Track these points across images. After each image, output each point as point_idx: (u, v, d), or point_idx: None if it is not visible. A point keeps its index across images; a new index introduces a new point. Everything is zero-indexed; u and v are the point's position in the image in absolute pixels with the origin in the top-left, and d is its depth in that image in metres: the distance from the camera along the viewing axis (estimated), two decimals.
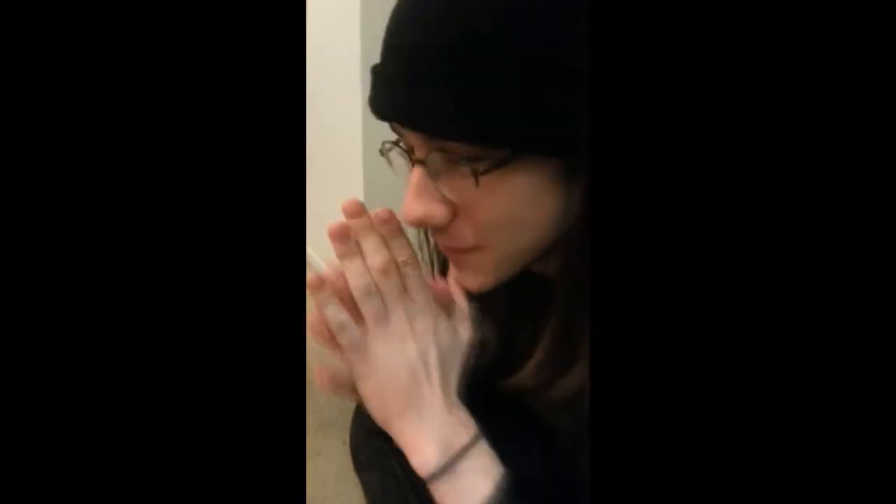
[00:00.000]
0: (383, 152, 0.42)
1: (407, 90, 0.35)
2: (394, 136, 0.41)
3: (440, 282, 0.43)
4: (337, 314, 0.39)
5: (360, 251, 0.40)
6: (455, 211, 0.38)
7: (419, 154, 0.37)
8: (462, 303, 0.43)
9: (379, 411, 0.41)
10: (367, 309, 0.39)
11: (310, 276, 0.38)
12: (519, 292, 0.47)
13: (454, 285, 0.43)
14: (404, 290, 0.40)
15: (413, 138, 0.37)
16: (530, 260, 0.41)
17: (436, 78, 0.33)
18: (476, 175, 0.35)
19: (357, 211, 0.40)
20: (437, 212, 0.37)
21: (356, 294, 0.39)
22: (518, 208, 0.36)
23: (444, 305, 0.42)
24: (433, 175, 0.37)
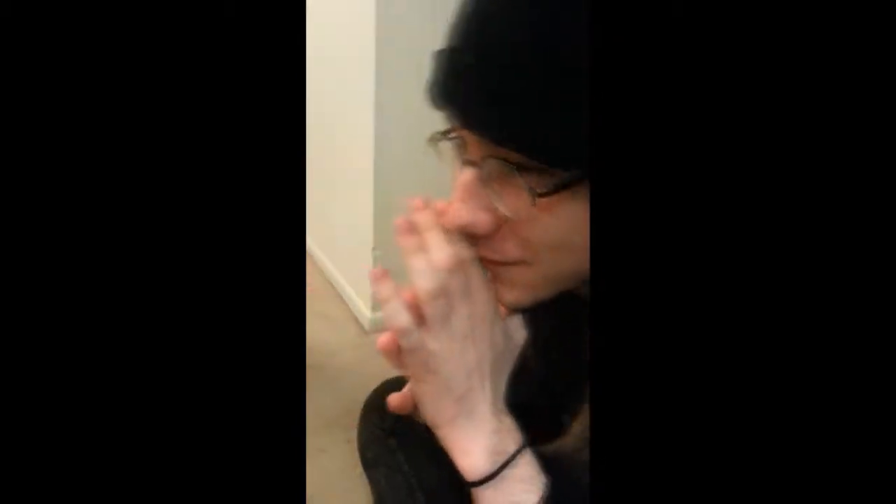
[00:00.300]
0: (432, 142, 0.40)
1: (482, 89, 0.33)
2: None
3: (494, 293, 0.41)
4: (398, 316, 0.37)
5: (423, 248, 0.37)
6: (500, 223, 0.36)
7: (474, 155, 0.36)
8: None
9: (431, 414, 0.40)
10: (431, 309, 0.37)
11: (375, 269, 0.37)
12: (563, 315, 0.46)
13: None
14: (469, 288, 0.38)
15: (471, 138, 0.36)
16: (572, 285, 0.39)
17: (517, 85, 0.31)
18: (534, 195, 0.33)
19: (421, 205, 0.39)
20: (483, 221, 0.36)
21: (422, 295, 0.36)
22: (571, 232, 0.35)
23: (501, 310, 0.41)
24: (485, 181, 0.35)
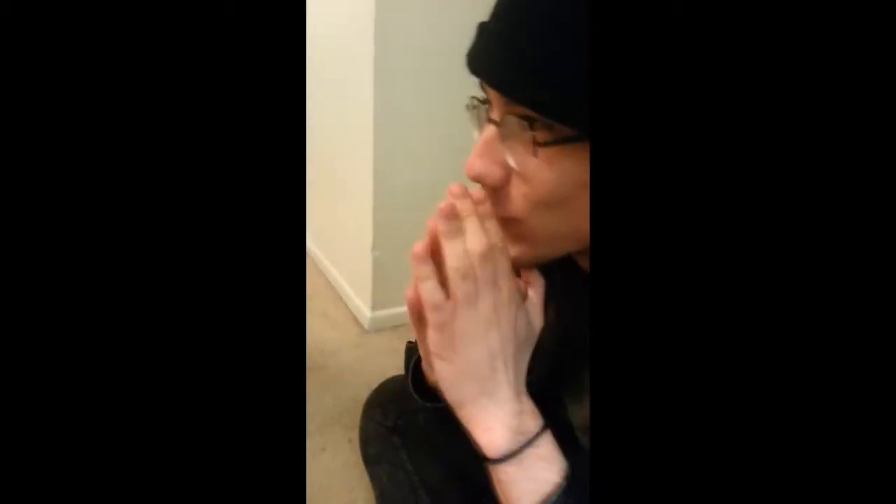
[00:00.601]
0: (469, 107, 0.44)
1: (503, 52, 0.37)
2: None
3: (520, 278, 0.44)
4: (434, 293, 0.39)
5: (461, 232, 0.40)
6: (509, 177, 0.40)
7: (496, 115, 0.40)
8: (537, 294, 0.44)
9: (453, 392, 0.42)
10: (460, 291, 0.39)
11: (417, 246, 0.40)
12: (572, 291, 0.49)
13: (532, 277, 0.44)
14: (497, 276, 0.40)
15: (496, 99, 0.39)
16: (571, 247, 0.43)
17: (534, 50, 0.36)
18: (535, 144, 0.37)
19: (462, 193, 0.40)
20: (494, 173, 0.39)
21: (452, 274, 0.39)
22: (569, 188, 0.38)
23: (523, 294, 0.44)
24: (503, 137, 0.39)
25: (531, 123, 0.37)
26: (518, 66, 0.36)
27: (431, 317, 0.40)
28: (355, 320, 1.85)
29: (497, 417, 0.40)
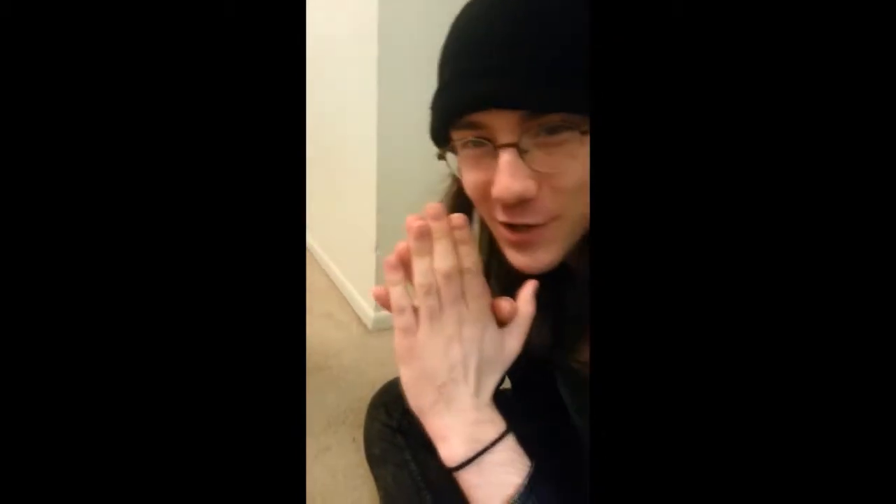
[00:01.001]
0: (441, 156, 0.46)
1: (506, 77, 0.39)
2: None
3: (504, 300, 0.45)
4: (400, 299, 0.43)
5: (430, 251, 0.43)
6: (540, 184, 0.41)
7: (507, 139, 0.41)
8: (525, 315, 0.45)
9: (412, 397, 0.44)
10: (423, 305, 0.43)
11: (390, 256, 0.43)
12: (550, 286, 0.50)
13: (525, 299, 0.45)
14: (462, 295, 0.43)
15: (502, 124, 0.41)
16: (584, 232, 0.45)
17: (534, 61, 0.38)
18: (581, 132, 0.39)
19: (438, 215, 0.43)
20: (531, 186, 0.41)
21: (417, 289, 0.43)
22: (587, 174, 0.40)
23: (500, 318, 0.45)
24: (522, 154, 0.41)
25: (554, 129, 0.39)
26: (535, 82, 0.38)
27: (396, 320, 0.43)
28: (359, 320, 1.85)
29: (452, 427, 0.42)
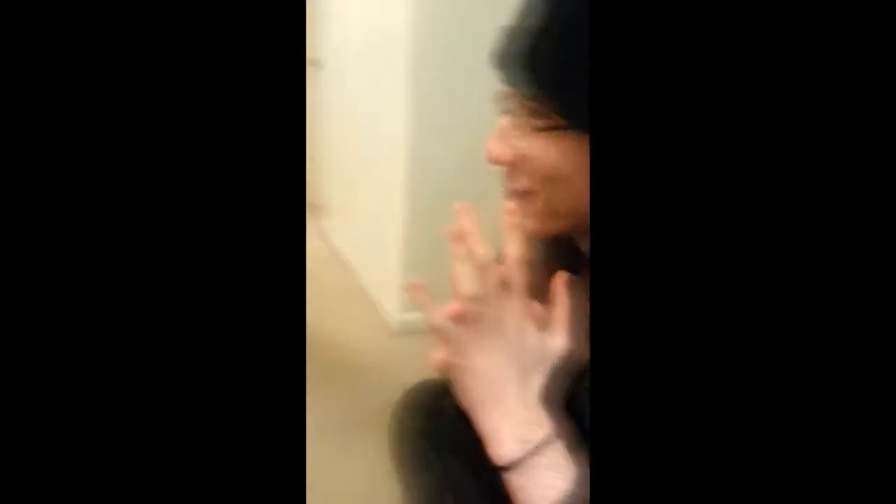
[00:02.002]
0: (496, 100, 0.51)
1: (518, 55, 0.45)
2: None
3: (535, 305, 0.45)
4: (433, 317, 0.43)
5: (469, 252, 0.43)
6: (519, 157, 0.46)
7: (511, 105, 0.46)
8: (562, 313, 0.45)
9: (464, 395, 0.44)
10: (468, 309, 0.42)
11: (453, 227, 0.44)
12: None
13: (560, 295, 0.46)
14: (504, 293, 0.43)
15: (510, 91, 0.46)
16: (575, 224, 0.48)
17: (547, 57, 0.43)
18: (538, 128, 0.44)
19: (464, 211, 0.44)
20: (506, 153, 0.47)
21: (461, 295, 0.42)
22: (567, 167, 0.45)
23: (539, 319, 0.45)
24: (515, 124, 0.46)
25: (539, 114, 0.44)
26: (536, 69, 0.43)
27: (437, 336, 0.43)
28: (384, 322, 1.86)
29: (502, 425, 0.42)
